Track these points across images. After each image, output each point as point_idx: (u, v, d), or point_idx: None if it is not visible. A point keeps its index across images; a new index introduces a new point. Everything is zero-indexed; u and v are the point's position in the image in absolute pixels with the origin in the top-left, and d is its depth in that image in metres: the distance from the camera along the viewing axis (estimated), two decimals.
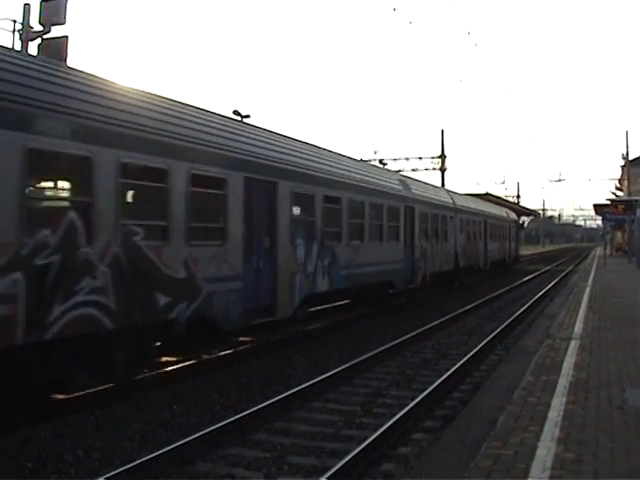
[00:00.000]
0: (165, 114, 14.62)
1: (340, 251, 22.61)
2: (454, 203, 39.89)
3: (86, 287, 11.93)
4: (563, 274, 53.42)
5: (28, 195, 11.07)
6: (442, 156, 66.58)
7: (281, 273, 18.66)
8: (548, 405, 10.07)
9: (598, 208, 64.77)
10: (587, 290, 30.29)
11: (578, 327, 18.17)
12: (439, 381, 14.20)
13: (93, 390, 13.19)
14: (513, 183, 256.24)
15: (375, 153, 65.32)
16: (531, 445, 8.16)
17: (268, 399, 12.83)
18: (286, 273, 18.96)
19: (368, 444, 10.02)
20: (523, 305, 29.54)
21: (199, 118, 16.04)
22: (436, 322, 23.69)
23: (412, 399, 12.86)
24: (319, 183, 21.36)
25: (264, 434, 11.35)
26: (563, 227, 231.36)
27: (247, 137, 17.82)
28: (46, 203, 12.42)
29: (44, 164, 11.62)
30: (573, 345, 15.32)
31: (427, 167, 66.04)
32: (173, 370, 15.56)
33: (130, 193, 13.89)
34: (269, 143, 18.92)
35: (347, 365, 15.93)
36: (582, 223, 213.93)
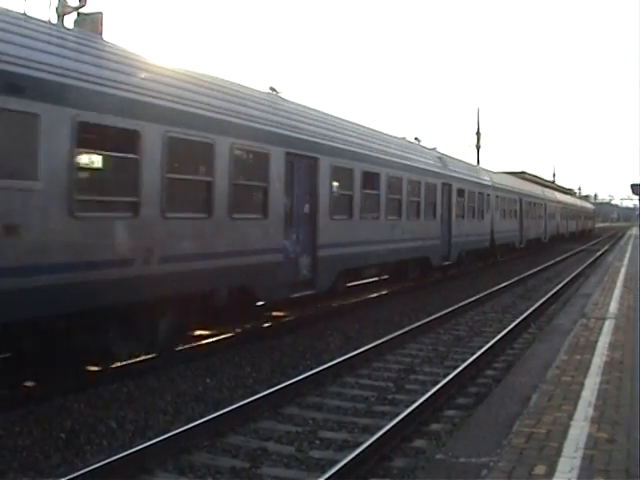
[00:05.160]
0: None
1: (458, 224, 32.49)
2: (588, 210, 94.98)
3: None
4: (598, 253, 53.02)
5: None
6: (477, 133, 66.38)
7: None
8: (582, 384, 10.02)
9: (635, 187, 64.05)
10: (622, 270, 30.07)
11: (613, 307, 18.04)
12: (472, 358, 14.16)
13: (126, 362, 13.26)
14: (549, 161, 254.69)
15: (411, 131, 65.34)
16: (564, 424, 8.12)
17: (301, 374, 12.87)
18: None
19: (400, 420, 10.02)
20: (558, 284, 29.34)
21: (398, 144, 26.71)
22: (470, 299, 23.62)
23: (445, 376, 12.84)
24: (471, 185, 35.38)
25: (296, 408, 11.39)
26: (599, 206, 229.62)
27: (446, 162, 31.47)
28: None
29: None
30: (608, 325, 15.21)
31: (462, 144, 66.21)
32: (206, 343, 15.61)
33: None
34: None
35: (380, 341, 15.93)
36: (618, 202, 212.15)
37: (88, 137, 11.31)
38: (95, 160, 12.48)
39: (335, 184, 19.82)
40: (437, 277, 31.20)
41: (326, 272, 18.79)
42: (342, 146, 20.11)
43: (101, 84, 11.60)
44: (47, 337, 11.31)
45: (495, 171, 47.98)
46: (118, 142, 12.17)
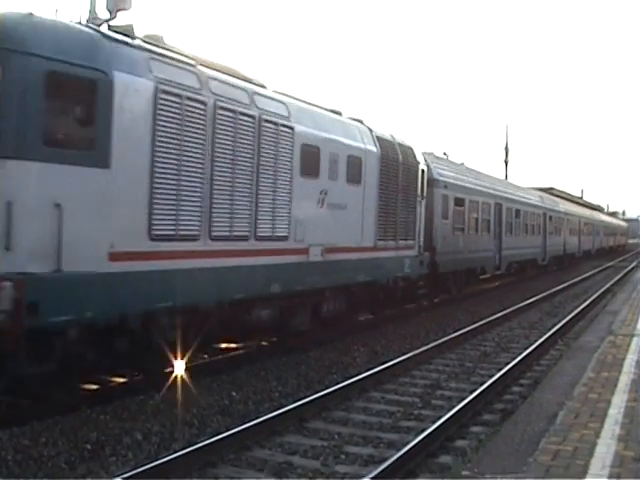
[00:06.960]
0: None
1: (549, 238, 49.56)
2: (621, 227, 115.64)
3: None
4: (626, 270, 52.70)
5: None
6: (506, 149, 66.47)
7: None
8: (609, 402, 9.97)
9: None
10: None
11: None
12: (499, 374, 14.10)
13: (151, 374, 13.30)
14: (577, 176, 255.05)
15: (439, 146, 65.79)
16: (591, 442, 8.08)
17: (327, 388, 12.85)
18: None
19: (426, 436, 9.99)
20: (585, 300, 29.20)
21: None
22: (497, 315, 23.55)
23: (471, 392, 12.79)
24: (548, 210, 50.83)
25: (322, 423, 11.37)
26: (629, 223, 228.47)
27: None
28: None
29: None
30: (635, 342, 15.14)
31: (489, 158, 66.63)
32: (232, 357, 15.65)
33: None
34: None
35: (406, 356, 15.91)
36: None
37: (455, 201, 28.24)
38: (455, 210, 28.47)
39: (507, 217, 37.00)
40: (534, 273, 46.40)
41: (505, 262, 36.40)
42: (509, 196, 38.40)
43: (455, 180, 29.05)
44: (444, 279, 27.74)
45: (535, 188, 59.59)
46: (460, 204, 29.06)
